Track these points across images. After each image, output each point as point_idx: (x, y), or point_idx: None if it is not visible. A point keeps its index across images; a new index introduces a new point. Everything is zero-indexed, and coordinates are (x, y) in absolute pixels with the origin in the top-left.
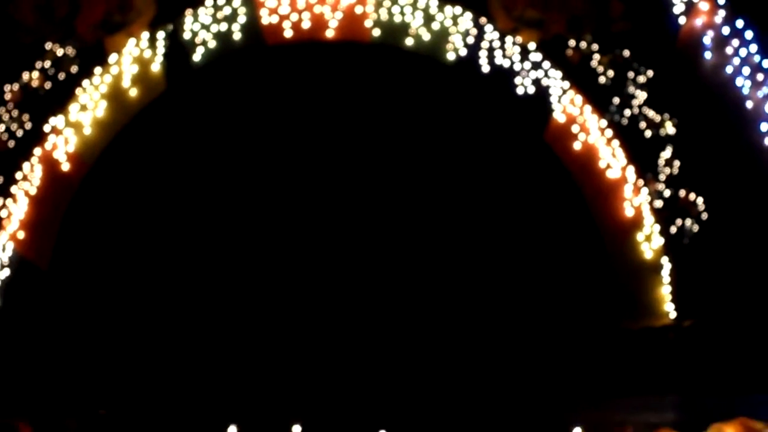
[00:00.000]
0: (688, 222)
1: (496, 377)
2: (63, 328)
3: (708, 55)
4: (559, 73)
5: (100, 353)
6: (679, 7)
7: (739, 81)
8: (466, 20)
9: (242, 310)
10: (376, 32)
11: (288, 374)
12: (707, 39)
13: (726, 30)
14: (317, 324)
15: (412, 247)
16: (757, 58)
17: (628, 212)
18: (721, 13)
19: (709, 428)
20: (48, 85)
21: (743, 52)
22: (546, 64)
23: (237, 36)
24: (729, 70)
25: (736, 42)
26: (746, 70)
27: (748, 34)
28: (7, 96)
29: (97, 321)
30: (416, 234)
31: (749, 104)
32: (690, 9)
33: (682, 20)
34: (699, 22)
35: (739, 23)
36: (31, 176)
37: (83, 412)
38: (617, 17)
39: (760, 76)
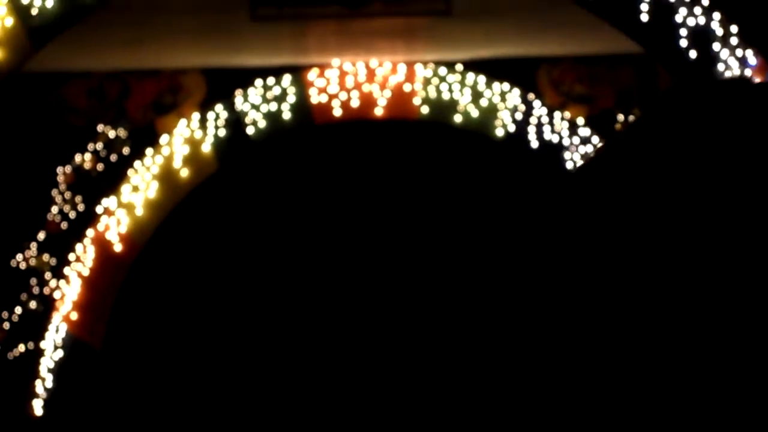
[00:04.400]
0: None
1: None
2: (116, 409)
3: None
4: None
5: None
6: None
7: None
8: (514, 96)
9: (291, 392)
10: (425, 109)
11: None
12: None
13: None
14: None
15: (465, 328)
16: None
17: None
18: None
19: None
20: (100, 166)
21: None
22: (595, 139)
23: (287, 115)
24: None
25: None
26: None
27: None
28: (60, 178)
29: (150, 401)
30: (468, 314)
31: None
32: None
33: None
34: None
35: None
36: (83, 257)
37: None
38: (664, 93)
39: None
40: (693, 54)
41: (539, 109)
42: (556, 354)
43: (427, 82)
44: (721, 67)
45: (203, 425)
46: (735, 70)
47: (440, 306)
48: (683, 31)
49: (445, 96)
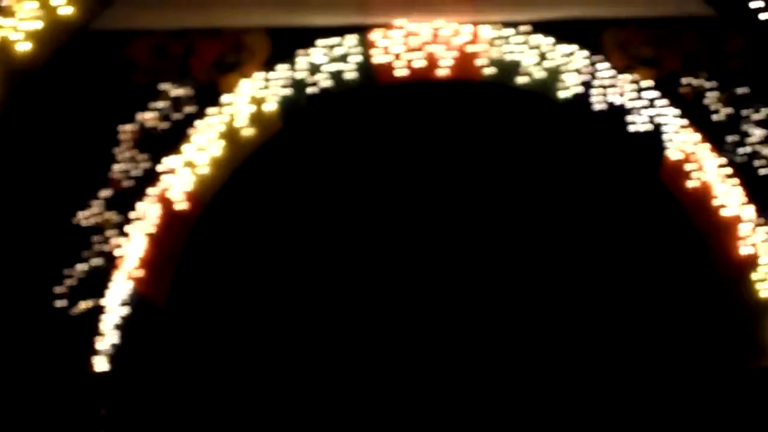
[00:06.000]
0: None
1: (617, 419)
2: (181, 366)
3: None
4: (674, 111)
5: (217, 391)
6: None
7: None
8: (580, 58)
9: (354, 354)
10: (489, 70)
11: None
12: None
13: None
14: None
15: (528, 287)
16: None
17: (745, 251)
18: None
19: None
20: (163, 125)
21: None
22: (661, 102)
23: (350, 75)
24: None
25: None
26: None
27: None
28: (124, 136)
29: (212, 358)
30: (532, 275)
31: None
32: None
33: None
34: None
35: None
36: (147, 215)
37: None
38: (733, 54)
39: None
40: (765, 15)
41: (605, 71)
42: None
43: (491, 43)
44: None
45: (263, 381)
46: None
47: (503, 270)
48: None
49: (510, 57)
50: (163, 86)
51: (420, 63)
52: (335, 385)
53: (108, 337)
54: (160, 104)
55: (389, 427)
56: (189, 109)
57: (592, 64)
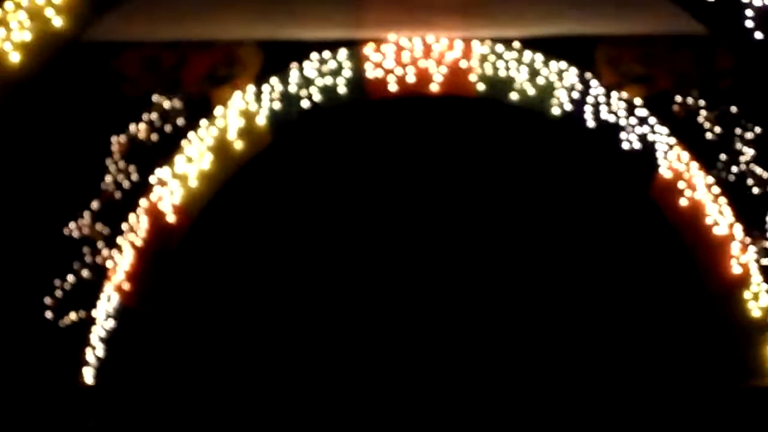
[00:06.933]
0: None
1: None
2: (166, 379)
3: None
4: (665, 129)
5: (204, 402)
6: None
7: None
8: (571, 75)
9: (339, 368)
10: (481, 86)
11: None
12: None
13: None
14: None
15: (518, 305)
16: None
17: (735, 270)
18: None
19: None
20: (154, 137)
21: None
22: (652, 120)
23: (342, 89)
24: None
25: None
26: None
27: None
28: (115, 148)
29: (200, 371)
30: (524, 290)
31: None
32: None
33: None
34: None
35: None
36: (136, 227)
37: None
38: (723, 73)
39: None
40: (758, 35)
41: (596, 89)
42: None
43: (483, 59)
44: None
45: (253, 393)
46: None
47: (492, 288)
48: (749, 12)
49: (502, 73)
50: (155, 98)
51: (412, 78)
52: (325, 400)
53: (97, 349)
54: (152, 116)
55: (383, 426)
56: (180, 121)
57: (584, 81)
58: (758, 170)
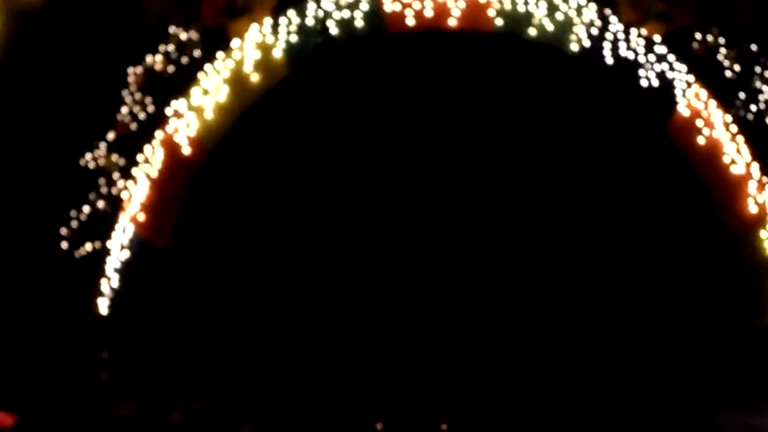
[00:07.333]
0: None
1: (613, 374)
2: (181, 310)
3: None
4: (684, 67)
5: (217, 334)
6: None
7: None
8: (591, 11)
9: (348, 301)
10: (499, 22)
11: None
12: None
13: None
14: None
15: (536, 242)
16: None
17: (752, 209)
18: None
19: None
20: (171, 69)
21: None
22: (671, 57)
23: (359, 23)
24: None
25: None
26: None
27: None
28: (131, 79)
29: (215, 303)
30: (540, 229)
31: None
32: None
33: None
34: None
35: None
36: (152, 159)
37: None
38: (746, 10)
39: None
40: None
41: (615, 25)
42: None
43: None
44: None
45: (263, 324)
46: None
47: (510, 224)
48: None
49: (521, 8)
50: (172, 29)
51: (430, 12)
52: (332, 329)
53: (111, 280)
54: (168, 47)
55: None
56: (197, 53)
57: (603, 17)
58: None
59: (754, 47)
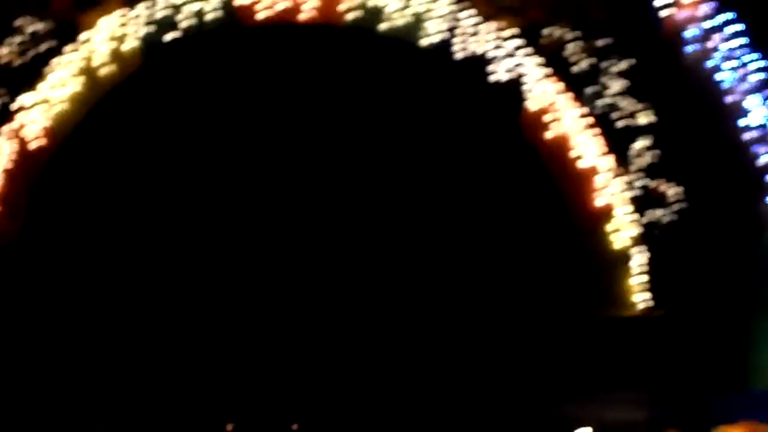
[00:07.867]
0: (661, 213)
1: (464, 367)
2: (30, 302)
3: (690, 47)
4: (534, 61)
5: (66, 324)
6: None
7: (720, 75)
8: (443, 5)
9: (190, 298)
10: (351, 15)
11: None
12: (690, 32)
13: (710, 24)
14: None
15: (386, 233)
16: (738, 53)
17: (600, 202)
18: (706, 6)
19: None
20: (20, 61)
21: (725, 46)
22: (522, 52)
23: (211, 15)
24: (710, 63)
25: (718, 36)
26: (727, 65)
27: (732, 29)
28: None
29: (64, 295)
30: (391, 220)
31: (729, 99)
32: (674, 1)
33: (663, 11)
34: (683, 14)
35: (724, 17)
36: (3, 151)
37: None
38: (596, 6)
39: (741, 72)
40: None
41: (467, 19)
42: None
43: None
44: None
45: (115, 314)
46: None
47: (362, 214)
48: None
49: (373, 2)
50: (21, 21)
51: (283, 5)
52: (177, 325)
53: None
54: (18, 39)
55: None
56: (47, 45)
57: (456, 11)
58: (625, 103)
59: (604, 42)
